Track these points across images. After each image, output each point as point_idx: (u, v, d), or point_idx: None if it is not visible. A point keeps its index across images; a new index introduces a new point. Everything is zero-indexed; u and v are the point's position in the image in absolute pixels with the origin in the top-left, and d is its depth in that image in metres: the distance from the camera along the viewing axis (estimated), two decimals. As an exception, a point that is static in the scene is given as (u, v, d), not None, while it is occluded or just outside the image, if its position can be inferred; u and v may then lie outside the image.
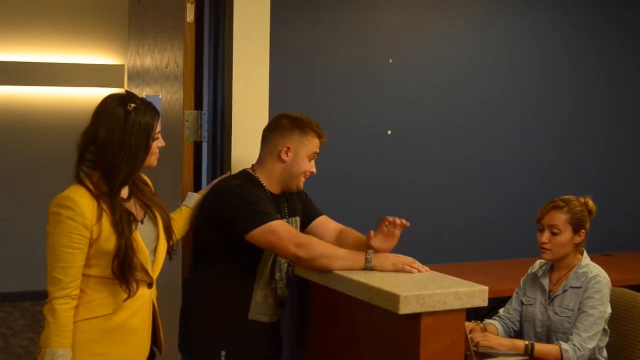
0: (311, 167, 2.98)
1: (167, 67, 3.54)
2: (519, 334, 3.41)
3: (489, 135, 5.14)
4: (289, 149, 2.92)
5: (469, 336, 3.06)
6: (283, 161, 2.93)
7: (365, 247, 2.80)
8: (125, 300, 2.48)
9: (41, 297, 2.51)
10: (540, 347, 3.13)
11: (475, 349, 3.03)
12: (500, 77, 5.17)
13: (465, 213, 5.08)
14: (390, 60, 4.82)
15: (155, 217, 2.61)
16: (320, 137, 2.98)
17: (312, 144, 2.96)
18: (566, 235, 3.27)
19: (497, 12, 5.17)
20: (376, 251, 2.77)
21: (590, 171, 5.43)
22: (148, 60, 3.83)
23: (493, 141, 5.15)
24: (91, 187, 2.44)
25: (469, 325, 3.19)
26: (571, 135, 5.41)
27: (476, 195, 5.11)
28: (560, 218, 3.27)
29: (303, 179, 2.99)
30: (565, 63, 5.37)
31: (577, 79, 5.41)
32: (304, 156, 2.94)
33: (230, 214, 2.79)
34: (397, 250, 2.84)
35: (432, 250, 4.56)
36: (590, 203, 3.35)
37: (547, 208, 3.33)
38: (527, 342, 3.12)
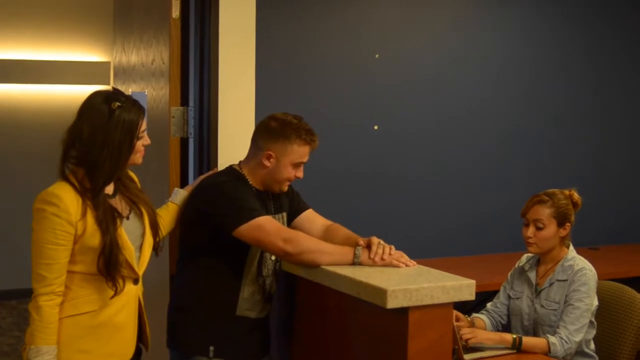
0: (297, 172, 2.91)
1: (152, 63, 3.53)
2: (506, 327, 3.42)
3: (479, 131, 5.14)
4: (270, 155, 2.86)
5: (456, 324, 3.06)
6: (264, 166, 2.89)
7: (354, 243, 2.79)
8: (111, 297, 2.47)
9: (28, 294, 2.50)
10: (528, 340, 3.13)
11: (464, 344, 3.03)
12: (490, 72, 5.17)
13: (453, 208, 5.08)
14: (377, 55, 4.81)
15: (141, 213, 2.60)
16: (308, 143, 2.88)
17: (297, 153, 2.87)
18: (550, 229, 3.27)
19: (486, 7, 5.17)
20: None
21: (580, 165, 5.44)
22: (133, 56, 3.81)
23: (482, 136, 5.16)
24: (75, 183, 2.43)
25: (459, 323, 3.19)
26: (562, 130, 5.42)
27: (465, 190, 5.11)
28: (544, 212, 3.28)
29: (287, 183, 2.94)
30: (557, 59, 5.37)
31: (568, 74, 5.42)
32: (286, 164, 2.87)
33: (217, 211, 2.78)
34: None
35: (420, 244, 4.57)
36: (575, 195, 3.36)
37: (531, 202, 3.34)
38: (514, 336, 3.13)
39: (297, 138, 2.86)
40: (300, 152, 2.88)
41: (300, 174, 2.93)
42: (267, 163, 2.87)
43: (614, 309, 3.48)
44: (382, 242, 2.76)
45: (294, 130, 2.86)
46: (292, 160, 2.88)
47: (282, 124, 2.87)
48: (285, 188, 2.96)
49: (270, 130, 2.88)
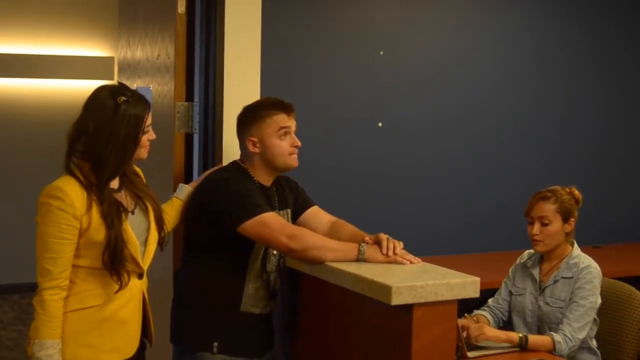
0: (291, 141, 2.89)
1: (158, 58, 3.53)
2: (507, 323, 3.41)
3: (482, 129, 5.13)
4: (252, 140, 2.88)
5: (464, 333, 3.05)
6: (255, 153, 2.90)
7: (360, 240, 2.79)
8: (116, 292, 2.47)
9: (30, 289, 2.51)
10: (533, 339, 3.12)
11: (475, 343, 3.03)
12: (495, 69, 5.16)
13: (455, 206, 5.07)
14: (381, 52, 4.81)
15: (146, 208, 2.60)
16: (279, 109, 2.89)
17: (274, 123, 2.87)
18: (556, 224, 3.28)
19: (491, 7, 5.15)
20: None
21: (583, 164, 5.44)
22: (139, 51, 3.81)
23: (485, 135, 5.14)
24: (81, 177, 2.43)
25: (462, 321, 3.17)
26: (565, 130, 5.41)
27: (467, 188, 5.11)
28: (549, 208, 3.28)
29: (290, 156, 2.91)
30: (560, 59, 5.35)
31: (571, 74, 5.40)
32: (270, 138, 2.87)
33: (221, 207, 2.78)
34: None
35: (424, 242, 4.56)
36: (576, 192, 3.37)
37: (534, 200, 3.34)
38: (520, 335, 3.11)
39: (264, 109, 2.90)
40: (275, 120, 2.88)
41: (294, 140, 2.90)
42: (253, 149, 2.89)
43: (615, 306, 3.48)
44: (390, 238, 2.76)
45: (260, 105, 2.94)
46: (273, 132, 2.88)
47: (251, 108, 2.95)
48: (292, 161, 2.91)
49: (243, 119, 2.95)
